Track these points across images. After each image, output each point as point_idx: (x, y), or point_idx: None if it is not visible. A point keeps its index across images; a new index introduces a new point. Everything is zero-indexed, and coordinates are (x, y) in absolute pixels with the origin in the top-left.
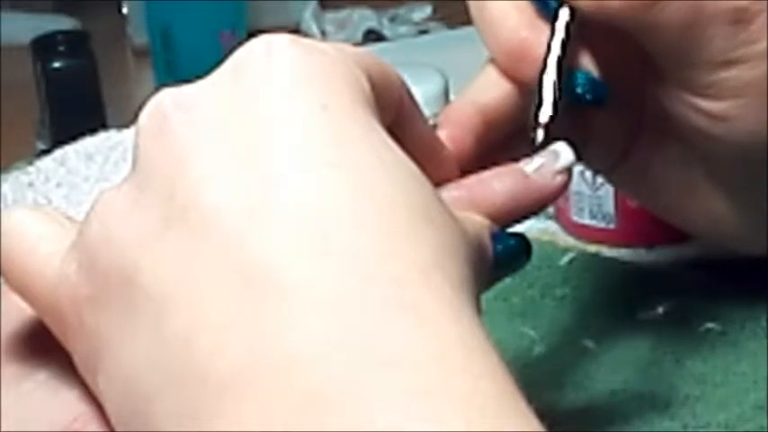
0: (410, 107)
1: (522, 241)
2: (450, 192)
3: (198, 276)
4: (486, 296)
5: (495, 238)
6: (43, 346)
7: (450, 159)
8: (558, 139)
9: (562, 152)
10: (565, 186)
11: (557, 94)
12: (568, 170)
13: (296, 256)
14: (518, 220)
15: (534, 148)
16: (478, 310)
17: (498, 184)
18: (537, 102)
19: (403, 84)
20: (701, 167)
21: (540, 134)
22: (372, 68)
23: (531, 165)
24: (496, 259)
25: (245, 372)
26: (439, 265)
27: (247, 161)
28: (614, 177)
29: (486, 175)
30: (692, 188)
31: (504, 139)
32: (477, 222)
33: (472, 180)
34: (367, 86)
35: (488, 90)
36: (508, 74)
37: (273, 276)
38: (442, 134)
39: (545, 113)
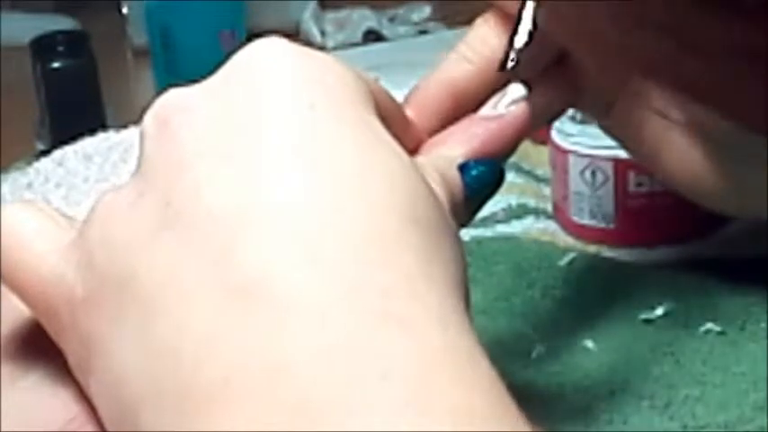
0: (401, 118)
1: (492, 165)
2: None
3: (187, 283)
4: (486, 296)
5: (463, 168)
6: (40, 345)
7: None
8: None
9: (511, 88)
10: (522, 118)
11: (534, 23)
12: (521, 103)
13: (284, 264)
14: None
15: (507, 75)
16: (467, 306)
17: (458, 134)
18: (514, 28)
19: (390, 95)
20: (678, 115)
21: (512, 59)
22: (368, 79)
23: (484, 109)
24: (468, 188)
25: (231, 381)
26: (425, 272)
27: (239, 165)
28: (605, 123)
29: (443, 133)
30: (670, 137)
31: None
32: (445, 158)
33: (434, 140)
34: (361, 85)
35: (459, 66)
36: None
37: (261, 285)
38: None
39: (519, 40)
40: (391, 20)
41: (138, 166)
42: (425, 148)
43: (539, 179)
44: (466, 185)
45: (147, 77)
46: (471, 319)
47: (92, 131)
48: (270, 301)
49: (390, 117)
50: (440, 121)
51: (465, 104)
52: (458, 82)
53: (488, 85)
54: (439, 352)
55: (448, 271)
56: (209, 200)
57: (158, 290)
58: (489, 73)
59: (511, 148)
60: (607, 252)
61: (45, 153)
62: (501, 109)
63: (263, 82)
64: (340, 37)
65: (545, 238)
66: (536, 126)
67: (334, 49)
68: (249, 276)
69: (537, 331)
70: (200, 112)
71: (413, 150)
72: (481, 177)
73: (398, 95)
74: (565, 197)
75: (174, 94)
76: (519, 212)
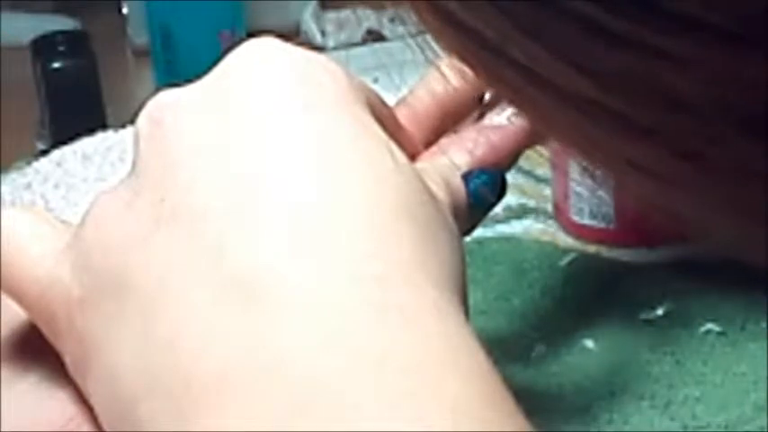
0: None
1: (496, 174)
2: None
3: (184, 279)
4: (486, 296)
5: (467, 177)
6: (38, 348)
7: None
8: None
9: None
10: (525, 128)
11: None
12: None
13: (279, 258)
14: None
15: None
16: (464, 304)
17: (462, 142)
18: None
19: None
20: None
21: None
22: (362, 82)
23: (487, 118)
24: (472, 196)
25: (229, 375)
26: (421, 264)
27: (233, 163)
28: None
29: (445, 141)
30: None
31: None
32: (448, 165)
33: (436, 147)
34: (355, 85)
35: (448, 77)
36: None
37: (257, 279)
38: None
39: None
40: (391, 20)
41: (133, 165)
42: (427, 155)
43: (539, 179)
44: (470, 194)
45: (147, 77)
46: (468, 318)
47: (92, 131)
48: (266, 295)
49: (384, 120)
50: (430, 133)
51: (455, 116)
52: (448, 93)
53: (479, 97)
54: (436, 341)
55: (444, 266)
56: (205, 196)
57: (155, 287)
58: (479, 84)
59: (513, 157)
60: (607, 252)
61: (45, 153)
62: (504, 119)
63: (256, 81)
64: (340, 37)
65: (545, 238)
66: (539, 136)
67: (335, 49)
68: (245, 271)
69: (537, 331)
70: (193, 112)
71: (409, 156)
72: (485, 186)
73: (399, 95)
74: (565, 197)
75: (166, 94)
76: (519, 212)
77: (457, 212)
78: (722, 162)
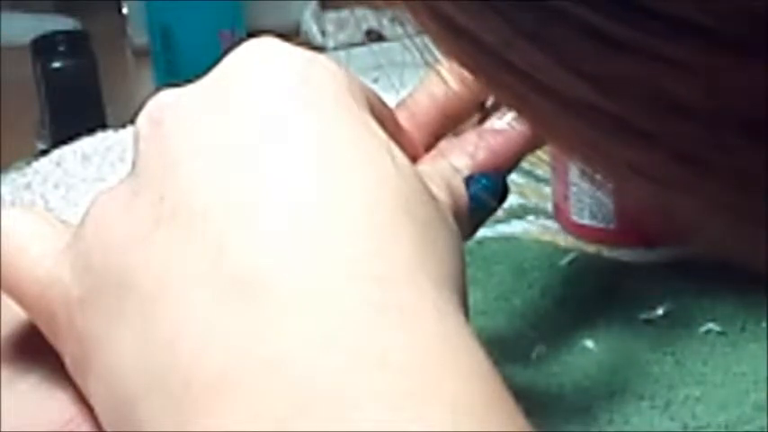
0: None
1: (498, 178)
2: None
3: (184, 278)
4: (486, 296)
5: (469, 180)
6: (38, 348)
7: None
8: None
9: None
10: (527, 132)
11: None
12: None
13: (279, 257)
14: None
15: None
16: (464, 304)
17: (464, 145)
18: None
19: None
20: None
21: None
22: (362, 83)
23: (490, 122)
24: (474, 200)
25: (228, 375)
26: (421, 263)
27: (233, 163)
28: None
29: (446, 144)
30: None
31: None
32: (450, 168)
33: (438, 150)
34: (355, 85)
35: (448, 80)
36: None
37: (257, 279)
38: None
39: None
40: (392, 20)
41: (133, 165)
42: (428, 158)
43: (539, 179)
44: (472, 197)
45: (147, 77)
46: (468, 318)
47: (92, 131)
48: (266, 294)
49: (385, 120)
50: (430, 136)
51: (455, 119)
52: (447, 96)
53: (478, 100)
54: (436, 341)
55: (444, 266)
56: (205, 196)
57: (155, 287)
58: (478, 87)
59: (514, 161)
60: (607, 252)
61: (45, 153)
62: (505, 123)
63: (256, 81)
64: (340, 37)
65: (545, 238)
66: (541, 141)
67: (335, 49)
68: (245, 271)
69: (537, 331)
70: (193, 112)
71: (409, 157)
72: (486, 190)
73: (400, 96)
74: (565, 197)
75: (166, 94)
76: (519, 212)
77: (458, 214)
78: (722, 166)
